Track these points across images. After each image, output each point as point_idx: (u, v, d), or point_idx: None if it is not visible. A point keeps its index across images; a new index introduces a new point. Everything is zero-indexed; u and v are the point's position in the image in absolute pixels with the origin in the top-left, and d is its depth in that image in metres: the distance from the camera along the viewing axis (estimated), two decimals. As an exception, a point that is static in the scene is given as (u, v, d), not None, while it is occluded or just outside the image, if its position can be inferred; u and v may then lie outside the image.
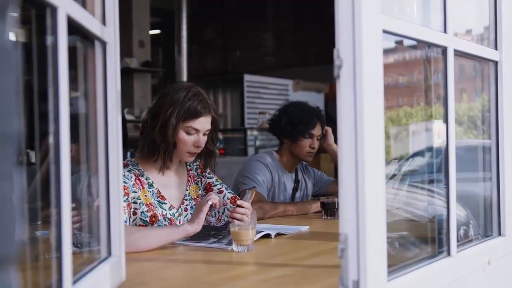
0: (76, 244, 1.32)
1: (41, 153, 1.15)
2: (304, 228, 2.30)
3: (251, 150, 7.29)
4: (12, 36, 0.55)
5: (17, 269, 0.54)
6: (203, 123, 2.16)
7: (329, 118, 3.80)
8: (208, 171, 2.38)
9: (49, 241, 1.52)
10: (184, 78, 8.73)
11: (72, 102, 1.08)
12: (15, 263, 0.54)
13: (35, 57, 1.08)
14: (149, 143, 2.16)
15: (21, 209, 0.55)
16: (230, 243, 1.88)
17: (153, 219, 2.13)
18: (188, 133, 2.15)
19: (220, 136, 7.70)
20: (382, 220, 1.20)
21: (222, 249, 1.86)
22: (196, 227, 1.91)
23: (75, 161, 1.17)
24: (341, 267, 1.16)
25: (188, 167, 2.36)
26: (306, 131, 2.92)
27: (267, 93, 8.13)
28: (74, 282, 1.06)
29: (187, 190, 2.30)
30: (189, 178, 2.33)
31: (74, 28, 1.10)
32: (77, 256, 1.26)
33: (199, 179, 2.36)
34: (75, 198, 1.10)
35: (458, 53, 1.55)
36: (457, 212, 1.53)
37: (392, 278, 1.24)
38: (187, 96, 2.13)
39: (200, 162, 2.37)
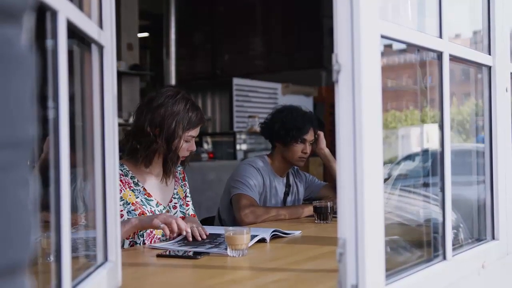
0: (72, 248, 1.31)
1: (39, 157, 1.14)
2: (297, 233, 2.30)
3: (240, 154, 7.28)
4: (26, 42, 0.55)
5: (30, 274, 0.54)
6: (198, 130, 2.31)
7: (319, 122, 3.79)
8: (184, 182, 2.48)
9: (41, 246, 1.51)
10: (173, 81, 8.71)
11: (68, 105, 1.07)
12: (29, 268, 0.54)
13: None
14: (151, 153, 2.22)
15: (35, 214, 0.55)
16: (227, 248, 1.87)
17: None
18: (187, 141, 2.26)
19: (209, 140, 7.69)
20: (380, 224, 1.20)
21: (221, 254, 1.85)
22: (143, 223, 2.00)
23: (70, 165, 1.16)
24: (340, 272, 1.16)
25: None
26: (299, 136, 2.92)
27: (256, 97, 8.12)
28: (73, 287, 1.05)
29: (175, 189, 2.39)
30: (176, 179, 2.43)
31: (72, 31, 1.09)
32: (73, 261, 1.25)
33: (183, 183, 2.47)
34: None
35: (453, 58, 1.56)
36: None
37: (389, 282, 1.25)
38: (186, 107, 2.24)
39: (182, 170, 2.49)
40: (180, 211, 2.37)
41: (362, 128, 1.14)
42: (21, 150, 0.50)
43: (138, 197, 2.20)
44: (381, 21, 1.22)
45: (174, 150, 2.22)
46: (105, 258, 1.33)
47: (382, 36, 1.23)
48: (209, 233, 2.19)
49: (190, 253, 1.85)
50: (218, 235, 2.14)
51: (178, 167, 2.45)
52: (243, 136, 7.44)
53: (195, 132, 2.27)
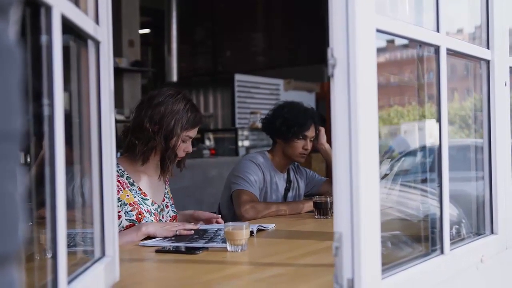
0: (69, 244, 1.31)
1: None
2: (271, 226, 2.32)
3: (242, 150, 7.28)
4: (14, 35, 0.55)
5: (19, 267, 0.54)
6: (196, 131, 2.32)
7: (320, 118, 3.79)
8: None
9: (39, 241, 1.51)
10: (174, 78, 8.71)
11: (64, 102, 1.07)
12: (18, 261, 0.54)
13: (28, 57, 1.07)
14: (149, 150, 2.23)
15: (24, 207, 0.55)
16: (224, 241, 1.87)
17: (139, 216, 2.21)
18: (184, 141, 2.27)
19: (211, 136, 7.69)
20: (376, 218, 1.20)
21: (219, 249, 1.85)
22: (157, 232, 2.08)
23: (67, 162, 1.16)
24: (336, 266, 1.16)
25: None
26: (300, 132, 2.92)
27: (258, 93, 8.12)
28: (69, 282, 1.06)
29: (166, 188, 2.42)
30: (167, 179, 2.45)
31: (67, 27, 1.09)
32: (70, 256, 1.26)
33: (168, 184, 2.49)
34: (67, 199, 1.10)
35: (451, 52, 1.55)
36: (449, 211, 1.54)
37: (386, 276, 1.25)
38: (186, 107, 2.25)
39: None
40: (171, 210, 2.41)
41: (357, 122, 1.14)
42: (9, 142, 0.51)
43: (135, 196, 2.23)
44: (377, 15, 1.22)
45: (172, 148, 2.23)
46: (103, 253, 1.34)
47: (378, 30, 1.23)
48: (198, 229, 2.19)
49: (189, 249, 1.85)
50: (206, 231, 2.15)
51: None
52: (245, 132, 7.44)
53: (192, 133, 2.29)
